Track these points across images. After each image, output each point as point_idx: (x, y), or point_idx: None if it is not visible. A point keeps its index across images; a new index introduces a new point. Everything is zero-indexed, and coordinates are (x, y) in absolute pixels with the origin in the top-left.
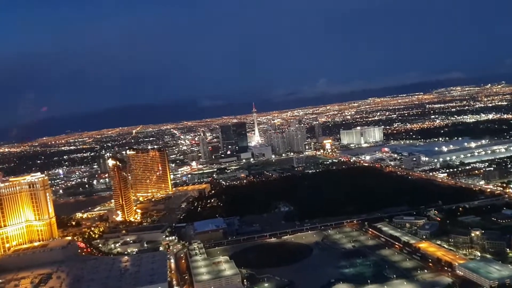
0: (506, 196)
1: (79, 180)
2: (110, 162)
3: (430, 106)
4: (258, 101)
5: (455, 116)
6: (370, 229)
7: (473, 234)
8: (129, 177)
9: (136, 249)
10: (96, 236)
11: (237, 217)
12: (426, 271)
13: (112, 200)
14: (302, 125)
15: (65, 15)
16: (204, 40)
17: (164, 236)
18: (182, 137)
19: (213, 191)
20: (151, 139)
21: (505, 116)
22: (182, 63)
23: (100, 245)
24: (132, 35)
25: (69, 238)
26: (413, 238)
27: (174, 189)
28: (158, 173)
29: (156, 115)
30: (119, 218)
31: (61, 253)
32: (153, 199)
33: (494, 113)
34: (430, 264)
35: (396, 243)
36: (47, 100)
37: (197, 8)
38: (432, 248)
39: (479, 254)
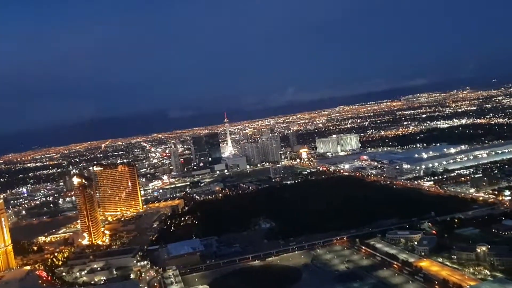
0: (505, 205)
1: (44, 199)
2: (75, 180)
3: (400, 112)
4: (228, 111)
5: (428, 122)
6: (363, 247)
7: (479, 250)
8: (97, 194)
9: (104, 278)
10: (60, 263)
11: (215, 237)
12: None
13: (79, 221)
14: (275, 134)
15: (28, 23)
16: (172, 51)
17: (135, 261)
18: (152, 150)
19: (186, 207)
20: (120, 153)
21: (478, 120)
22: (151, 75)
23: (64, 273)
24: (98, 47)
25: (29, 267)
26: (412, 255)
27: (145, 206)
28: (127, 190)
29: (126, 128)
30: (85, 242)
31: (18, 286)
32: (122, 219)
33: (466, 118)
34: (437, 286)
35: (394, 262)
36: (13, 115)
37: (163, 18)
38: (434, 267)
39: (488, 273)
